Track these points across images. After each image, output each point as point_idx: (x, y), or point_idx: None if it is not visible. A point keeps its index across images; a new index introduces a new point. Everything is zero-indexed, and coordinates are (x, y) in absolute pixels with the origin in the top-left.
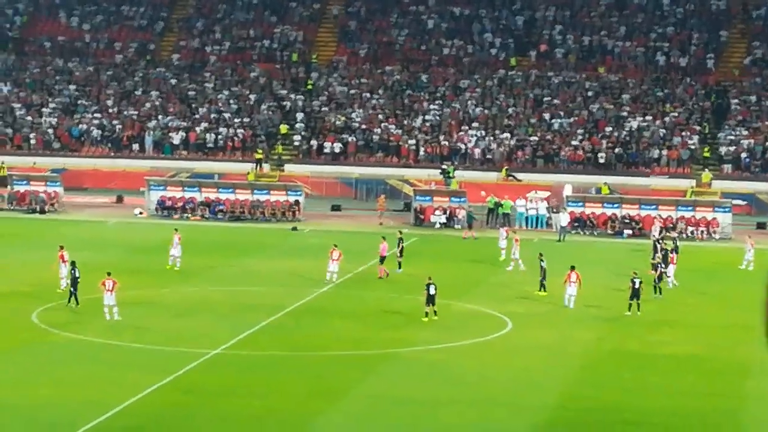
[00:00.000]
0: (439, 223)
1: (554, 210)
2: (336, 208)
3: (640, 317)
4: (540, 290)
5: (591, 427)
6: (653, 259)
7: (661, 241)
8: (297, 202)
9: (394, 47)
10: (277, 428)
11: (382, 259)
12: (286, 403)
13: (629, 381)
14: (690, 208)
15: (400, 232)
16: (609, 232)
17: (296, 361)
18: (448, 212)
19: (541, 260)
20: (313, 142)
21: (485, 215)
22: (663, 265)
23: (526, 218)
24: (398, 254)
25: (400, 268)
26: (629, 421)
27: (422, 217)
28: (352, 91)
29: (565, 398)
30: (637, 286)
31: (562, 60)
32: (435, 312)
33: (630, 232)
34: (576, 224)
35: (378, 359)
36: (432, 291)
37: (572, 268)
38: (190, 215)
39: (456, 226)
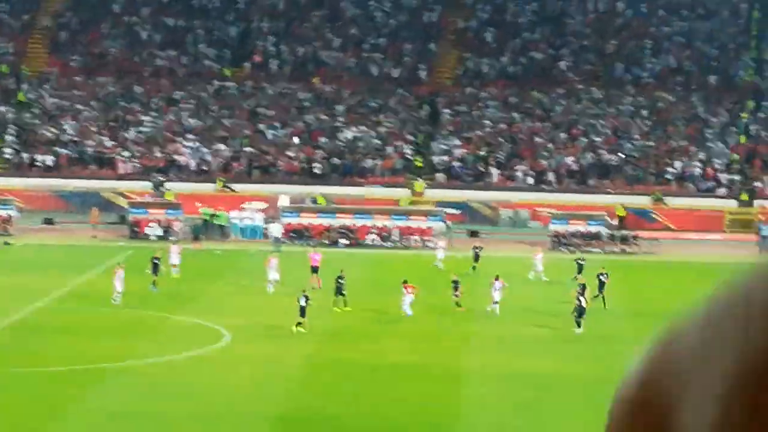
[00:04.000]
0: (155, 236)
1: (271, 221)
2: (49, 221)
3: (362, 326)
4: (343, 306)
5: None
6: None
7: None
8: (9, 217)
9: (107, 58)
10: None
11: (315, 269)
12: (1, 423)
13: (349, 390)
14: (404, 218)
15: (156, 251)
16: (325, 242)
17: (12, 378)
18: (164, 224)
19: (341, 277)
20: (25, 155)
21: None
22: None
23: (242, 229)
24: (152, 272)
25: (155, 286)
26: (350, 428)
27: (137, 229)
28: (65, 103)
29: (284, 409)
30: (583, 304)
31: (276, 71)
32: (299, 323)
33: (346, 242)
34: (292, 235)
35: (97, 374)
36: (303, 303)
37: (404, 281)
38: None
39: (171, 238)
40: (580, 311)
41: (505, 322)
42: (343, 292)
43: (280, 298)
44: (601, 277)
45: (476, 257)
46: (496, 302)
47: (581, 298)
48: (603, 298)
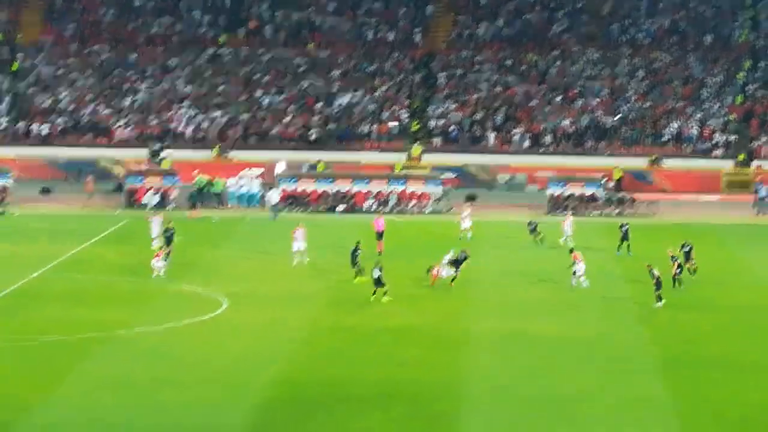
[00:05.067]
0: (152, 204)
1: (269, 187)
2: (46, 190)
3: (365, 292)
4: (358, 277)
5: (312, 401)
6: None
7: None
8: (5, 186)
9: (101, 26)
10: None
11: (380, 234)
12: (1, 391)
13: (349, 355)
14: (402, 182)
15: (169, 222)
16: (322, 208)
17: (11, 347)
18: (161, 192)
19: (357, 248)
20: (20, 125)
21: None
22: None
23: (239, 197)
24: (165, 243)
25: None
26: (350, 394)
27: (135, 198)
28: (60, 72)
29: (285, 375)
30: (657, 273)
31: (271, 37)
32: (385, 293)
33: (343, 207)
34: (290, 201)
35: (96, 342)
36: (376, 274)
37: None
38: None
39: (168, 207)
40: (659, 284)
41: (508, 286)
42: (359, 264)
43: (275, 264)
44: (684, 247)
45: (533, 232)
46: (579, 275)
47: (654, 270)
48: (689, 267)
